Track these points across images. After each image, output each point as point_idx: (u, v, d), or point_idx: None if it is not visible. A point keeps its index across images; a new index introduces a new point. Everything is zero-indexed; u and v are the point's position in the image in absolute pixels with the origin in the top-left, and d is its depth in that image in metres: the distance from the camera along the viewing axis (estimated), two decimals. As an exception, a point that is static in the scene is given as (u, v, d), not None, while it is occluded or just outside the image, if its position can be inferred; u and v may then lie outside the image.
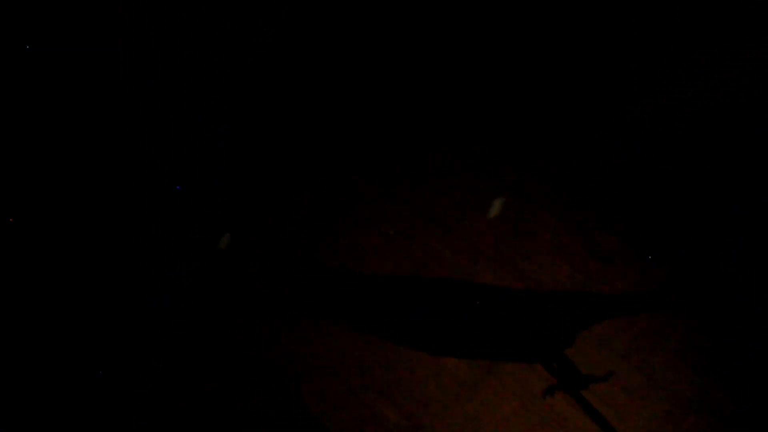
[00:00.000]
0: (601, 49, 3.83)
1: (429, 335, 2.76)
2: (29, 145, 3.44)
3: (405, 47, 3.97)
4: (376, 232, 3.13)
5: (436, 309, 2.84)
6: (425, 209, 3.20)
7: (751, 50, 3.47)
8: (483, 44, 3.93)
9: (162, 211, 3.36)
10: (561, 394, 2.58)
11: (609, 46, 3.80)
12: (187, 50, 3.76)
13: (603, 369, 2.65)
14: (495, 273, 2.93)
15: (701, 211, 3.15)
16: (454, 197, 3.24)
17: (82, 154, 3.48)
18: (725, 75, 3.51)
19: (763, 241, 3.03)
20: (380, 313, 2.85)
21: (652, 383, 2.59)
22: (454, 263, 2.99)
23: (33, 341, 2.88)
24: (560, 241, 3.03)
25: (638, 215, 3.11)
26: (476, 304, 2.84)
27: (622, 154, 3.35)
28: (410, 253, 3.05)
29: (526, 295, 2.85)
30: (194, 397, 2.70)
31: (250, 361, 2.79)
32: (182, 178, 3.44)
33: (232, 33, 3.86)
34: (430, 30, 4.01)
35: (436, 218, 3.15)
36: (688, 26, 3.68)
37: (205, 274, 3.10)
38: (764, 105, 3.39)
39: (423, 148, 3.49)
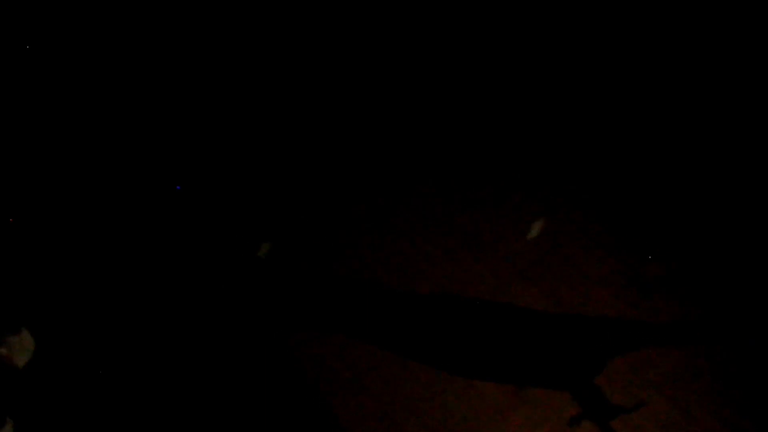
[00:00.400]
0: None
1: (463, 356, 2.75)
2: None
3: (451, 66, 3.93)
4: (414, 250, 3.12)
5: (471, 330, 2.83)
6: (464, 229, 3.18)
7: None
8: (528, 67, 3.87)
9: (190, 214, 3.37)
10: (591, 424, 2.56)
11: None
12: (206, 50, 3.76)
13: (634, 399, 2.61)
14: (531, 296, 2.91)
15: (747, 243, 3.08)
16: (493, 217, 3.22)
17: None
18: None
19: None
20: (415, 331, 2.85)
21: (687, 418, 2.54)
22: (491, 284, 2.97)
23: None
24: (600, 267, 2.99)
25: (682, 245, 3.05)
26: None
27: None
28: (448, 272, 3.04)
29: (561, 320, 2.82)
30: (219, 406, 2.73)
31: (279, 371, 2.81)
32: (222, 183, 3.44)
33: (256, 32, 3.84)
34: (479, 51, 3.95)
35: (474, 238, 3.13)
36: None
37: (238, 281, 3.11)
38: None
39: (461, 168, 3.47)
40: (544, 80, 3.76)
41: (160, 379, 2.79)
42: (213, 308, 2.99)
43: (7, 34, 3.54)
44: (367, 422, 2.63)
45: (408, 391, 2.70)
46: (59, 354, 2.80)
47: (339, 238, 3.25)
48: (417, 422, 2.61)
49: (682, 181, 3.33)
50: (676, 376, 2.64)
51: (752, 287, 2.92)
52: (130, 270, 3.13)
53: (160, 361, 2.84)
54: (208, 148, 3.60)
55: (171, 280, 3.09)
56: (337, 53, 3.92)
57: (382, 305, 2.96)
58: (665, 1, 3.74)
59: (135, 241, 3.23)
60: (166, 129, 3.64)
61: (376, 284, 3.04)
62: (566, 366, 2.70)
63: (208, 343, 2.89)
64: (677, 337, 2.78)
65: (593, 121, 3.59)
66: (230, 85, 3.80)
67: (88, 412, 2.70)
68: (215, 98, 3.75)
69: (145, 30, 3.80)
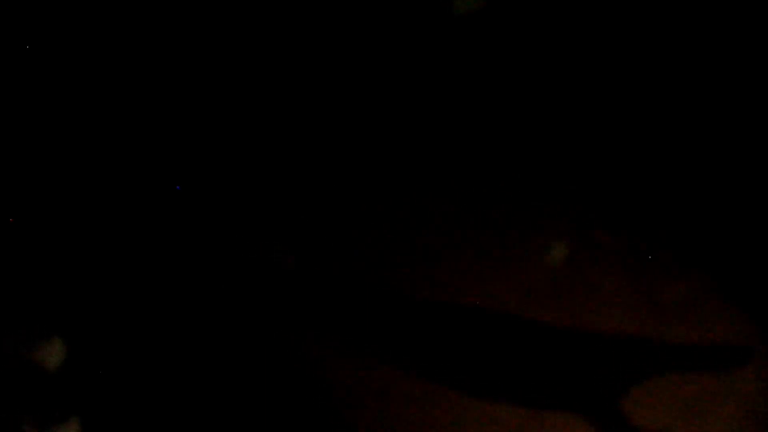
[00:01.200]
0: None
1: (477, 379, 2.72)
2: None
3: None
4: (435, 267, 3.06)
5: (485, 352, 2.79)
6: (480, 247, 3.12)
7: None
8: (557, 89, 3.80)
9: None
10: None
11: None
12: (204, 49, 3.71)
13: (659, 425, 2.58)
14: (552, 317, 2.88)
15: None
16: (510, 237, 3.17)
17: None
18: None
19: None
20: (426, 354, 2.81)
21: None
22: (513, 305, 2.94)
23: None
24: (623, 289, 2.94)
25: (708, 268, 3.01)
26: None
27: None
28: (462, 287, 2.99)
29: (579, 343, 2.79)
30: (217, 409, 2.70)
31: (294, 383, 2.77)
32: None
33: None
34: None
35: (497, 259, 3.08)
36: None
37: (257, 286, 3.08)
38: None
39: (479, 185, 3.40)
40: (562, 94, 3.71)
41: (160, 379, 2.77)
42: (213, 310, 2.97)
43: (7, 34, 3.48)
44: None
45: (423, 414, 2.67)
46: (89, 357, 2.79)
47: (326, 246, 3.21)
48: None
49: (703, 201, 3.30)
50: (696, 408, 2.61)
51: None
52: (128, 270, 3.10)
53: (159, 361, 2.82)
54: (209, 149, 3.56)
55: (171, 280, 3.06)
56: (344, 61, 3.88)
57: (399, 322, 2.92)
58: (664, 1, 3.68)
59: (134, 241, 3.19)
60: (166, 129, 3.60)
61: (393, 301, 2.99)
62: (585, 390, 2.67)
63: (207, 346, 2.87)
64: (698, 362, 2.74)
65: (609, 138, 3.54)
66: (239, 89, 3.75)
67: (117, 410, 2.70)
68: (219, 99, 3.70)
69: (145, 30, 3.74)
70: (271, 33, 3.89)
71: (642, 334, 2.84)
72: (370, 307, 2.99)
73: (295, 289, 3.06)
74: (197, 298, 2.98)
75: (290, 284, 3.09)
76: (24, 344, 2.80)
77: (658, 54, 3.76)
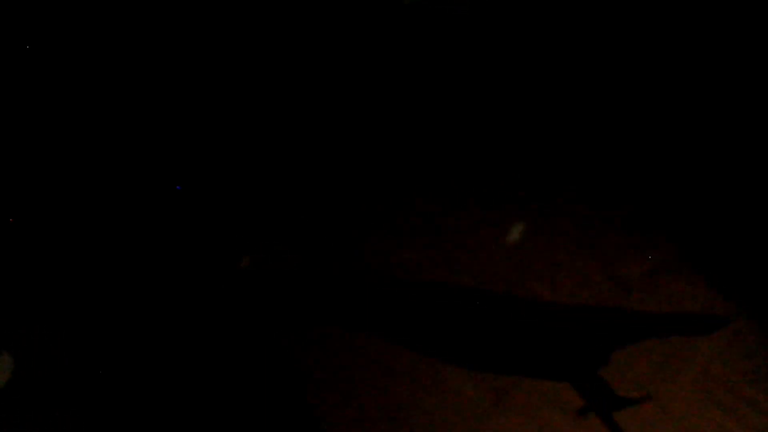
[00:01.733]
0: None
1: (446, 360, 2.76)
2: (29, 145, 3.43)
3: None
4: (399, 256, 3.11)
5: (454, 334, 2.83)
6: (448, 235, 3.16)
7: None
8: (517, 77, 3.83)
9: (174, 212, 3.36)
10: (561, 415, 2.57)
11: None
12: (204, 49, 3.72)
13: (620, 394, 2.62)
14: (516, 299, 2.92)
15: (727, 238, 3.08)
16: (475, 224, 3.20)
17: (82, 153, 3.47)
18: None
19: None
20: (398, 337, 2.85)
21: (667, 414, 2.56)
22: (476, 288, 2.98)
23: (33, 341, 2.92)
24: (581, 267, 2.99)
25: (662, 240, 3.06)
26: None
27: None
28: (434, 278, 3.04)
29: (545, 322, 2.83)
30: (203, 413, 2.73)
31: (264, 378, 2.81)
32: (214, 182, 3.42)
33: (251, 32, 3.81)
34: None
35: (459, 245, 3.13)
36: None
37: (220, 284, 3.11)
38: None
39: (451, 178, 3.44)
40: (529, 89, 3.74)
41: (147, 379, 2.80)
42: (203, 311, 2.99)
43: (7, 34, 3.50)
44: (351, 429, 2.64)
45: (393, 397, 2.70)
46: (38, 372, 2.80)
47: (326, 246, 3.25)
48: (402, 427, 2.62)
49: (658, 179, 3.33)
50: (657, 374, 2.65)
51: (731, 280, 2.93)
52: (123, 269, 3.14)
53: (147, 360, 2.85)
54: (207, 151, 3.59)
55: (165, 280, 3.10)
56: (334, 62, 3.90)
57: (363, 313, 2.96)
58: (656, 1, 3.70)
59: (131, 241, 3.23)
60: (166, 129, 3.63)
61: (357, 292, 3.03)
62: (549, 367, 2.71)
63: (194, 349, 2.89)
64: (662, 330, 2.78)
65: (570, 127, 3.58)
66: (230, 91, 3.78)
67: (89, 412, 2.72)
68: (217, 101, 3.73)
69: (145, 30, 3.77)
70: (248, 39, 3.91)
71: (606, 306, 2.89)
72: (331, 298, 3.02)
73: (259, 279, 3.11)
74: (192, 298, 3.03)
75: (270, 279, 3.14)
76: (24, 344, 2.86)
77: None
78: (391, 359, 2.80)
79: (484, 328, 2.85)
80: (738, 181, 3.29)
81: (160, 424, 2.68)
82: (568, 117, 3.58)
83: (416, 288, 3.00)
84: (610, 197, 3.28)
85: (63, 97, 3.58)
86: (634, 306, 2.88)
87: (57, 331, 2.91)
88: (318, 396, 2.72)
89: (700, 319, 2.82)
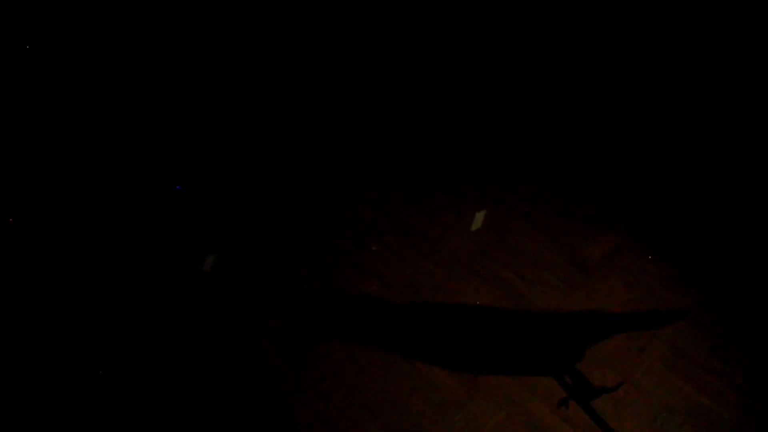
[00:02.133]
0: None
1: (418, 352, 2.78)
2: (29, 145, 3.44)
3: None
4: (363, 250, 3.15)
5: (424, 326, 2.86)
6: (410, 226, 3.22)
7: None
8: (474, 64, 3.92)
9: (162, 211, 3.36)
10: (546, 407, 2.61)
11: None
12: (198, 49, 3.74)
13: (589, 376, 2.67)
14: (481, 286, 2.96)
15: (683, 218, 3.16)
16: (438, 216, 3.26)
17: (82, 153, 3.47)
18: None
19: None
20: (370, 332, 2.87)
21: (638, 391, 2.61)
22: (440, 279, 3.01)
23: (33, 341, 2.90)
24: (543, 252, 3.04)
25: (622, 222, 3.13)
26: (457, 318, 2.86)
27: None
28: (397, 270, 3.07)
29: (511, 308, 2.87)
30: (186, 398, 2.72)
31: (237, 379, 2.81)
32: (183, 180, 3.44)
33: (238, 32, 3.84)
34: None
35: (421, 238, 3.17)
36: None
37: (193, 291, 3.11)
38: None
39: (405, 167, 3.51)
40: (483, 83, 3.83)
41: (146, 379, 2.79)
42: (201, 310, 2.99)
43: (7, 34, 3.49)
44: (327, 425, 2.64)
45: (365, 392, 2.72)
46: (38, 372, 2.79)
47: (288, 244, 3.27)
48: (376, 421, 2.64)
49: (615, 162, 3.42)
50: (625, 353, 2.71)
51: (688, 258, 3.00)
52: (123, 269, 3.13)
53: (147, 361, 2.84)
54: (207, 151, 3.60)
55: (164, 280, 3.09)
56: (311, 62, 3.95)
57: (335, 309, 2.98)
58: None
59: (130, 241, 3.23)
60: (165, 129, 3.64)
61: (328, 288, 3.06)
62: (521, 353, 2.75)
63: (191, 348, 2.89)
64: (621, 318, 2.84)
65: (526, 102, 3.67)
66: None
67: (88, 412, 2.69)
68: (217, 101, 3.74)
69: (145, 30, 3.78)
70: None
71: (569, 289, 2.94)
72: (302, 296, 3.02)
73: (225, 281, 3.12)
74: (191, 297, 3.03)
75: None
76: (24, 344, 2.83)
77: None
78: (365, 354, 2.82)
79: (454, 319, 2.88)
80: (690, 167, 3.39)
81: (160, 423, 2.67)
82: (552, 112, 3.66)
83: (384, 282, 3.03)
84: (570, 184, 3.36)
85: (63, 97, 3.59)
86: (596, 287, 2.94)
87: (57, 331, 2.90)
88: (290, 395, 2.73)
89: (663, 298, 2.89)
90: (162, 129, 3.71)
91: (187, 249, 3.25)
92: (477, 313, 2.88)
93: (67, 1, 3.62)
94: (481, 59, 3.88)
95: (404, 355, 2.79)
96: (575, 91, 3.73)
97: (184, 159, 3.61)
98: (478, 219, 3.19)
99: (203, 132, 3.74)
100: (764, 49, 3.49)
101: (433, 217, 3.26)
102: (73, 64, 3.67)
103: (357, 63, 3.95)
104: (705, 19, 3.59)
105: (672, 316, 2.81)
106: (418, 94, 3.83)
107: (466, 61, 3.89)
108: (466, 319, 2.87)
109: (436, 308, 2.91)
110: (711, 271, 2.98)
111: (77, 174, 3.49)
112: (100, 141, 3.59)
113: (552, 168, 3.46)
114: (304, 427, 2.65)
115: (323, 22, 4.05)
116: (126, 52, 3.77)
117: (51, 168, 3.48)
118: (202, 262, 3.17)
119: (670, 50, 3.70)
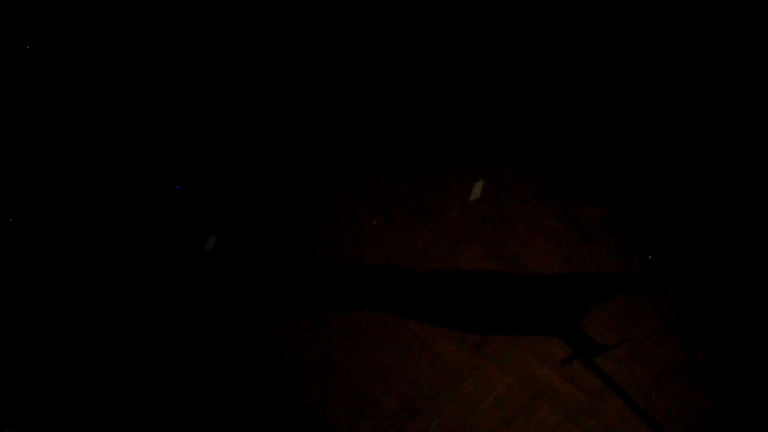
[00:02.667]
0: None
1: (424, 322, 2.81)
2: (29, 145, 3.47)
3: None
4: (362, 225, 3.20)
5: (429, 296, 2.89)
6: (407, 198, 3.27)
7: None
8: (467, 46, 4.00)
9: (161, 210, 3.38)
10: (553, 368, 2.64)
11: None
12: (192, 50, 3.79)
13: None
14: (481, 254, 3.00)
15: (678, 182, 3.23)
16: (436, 189, 3.32)
17: (82, 153, 3.50)
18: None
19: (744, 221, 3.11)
20: (376, 304, 2.90)
21: (640, 351, 2.64)
22: (441, 250, 3.06)
23: (33, 341, 2.89)
24: (541, 218, 3.10)
25: (618, 187, 3.19)
26: (477, 303, 2.88)
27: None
28: (397, 242, 3.11)
29: (512, 275, 2.91)
30: (187, 396, 2.72)
31: (244, 358, 2.82)
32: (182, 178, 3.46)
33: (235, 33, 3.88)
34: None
35: (420, 210, 3.22)
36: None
37: (196, 274, 3.13)
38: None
39: (400, 139, 3.57)
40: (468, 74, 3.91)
41: (146, 379, 2.78)
42: (201, 310, 3.00)
43: (7, 34, 3.53)
44: (337, 398, 2.66)
45: (374, 365, 2.74)
46: (38, 372, 2.78)
47: (292, 223, 3.31)
48: (385, 393, 2.65)
49: (608, 128, 3.49)
50: (627, 314, 2.75)
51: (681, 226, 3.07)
52: (122, 269, 3.14)
53: (147, 361, 2.84)
54: (207, 151, 3.63)
55: (164, 280, 3.10)
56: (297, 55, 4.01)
57: (342, 285, 3.01)
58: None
59: (130, 241, 3.24)
60: (165, 129, 3.66)
61: (332, 265, 3.09)
62: (525, 315, 2.78)
63: (191, 348, 2.89)
64: (621, 279, 2.89)
65: (518, 80, 3.74)
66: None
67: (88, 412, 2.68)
68: (216, 100, 3.78)
69: (145, 30, 3.83)
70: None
71: (569, 254, 2.99)
72: (307, 275, 3.07)
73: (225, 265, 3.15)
74: (191, 297, 3.06)
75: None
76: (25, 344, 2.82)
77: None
78: (371, 326, 2.84)
79: (458, 287, 2.92)
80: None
81: (160, 423, 2.66)
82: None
83: (385, 253, 3.08)
84: (567, 153, 3.42)
85: (63, 97, 3.62)
86: (595, 251, 2.99)
87: (57, 331, 2.90)
88: (299, 369, 2.75)
89: (662, 262, 2.94)
90: (161, 129, 3.76)
91: (186, 249, 3.27)
92: (479, 280, 2.92)
93: (67, 1, 3.68)
94: (481, 59, 3.96)
95: (410, 325, 2.82)
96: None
97: (183, 159, 3.65)
98: (477, 188, 3.25)
99: (203, 132, 3.78)
100: (744, 38, 3.61)
101: (432, 193, 3.31)
102: (73, 64, 3.72)
103: (357, 62, 4.03)
104: (694, 12, 3.71)
105: (672, 277, 2.86)
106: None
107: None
108: (469, 286, 2.90)
109: (439, 276, 2.95)
110: (706, 240, 3.04)
111: (77, 174, 3.51)
112: (100, 141, 3.62)
113: (548, 141, 3.51)
114: (310, 400, 2.66)
115: (323, 22, 4.13)
116: (126, 52, 3.82)
117: (51, 168, 3.50)
118: (203, 249, 3.19)
119: (670, 50, 3.81)
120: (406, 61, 3.99)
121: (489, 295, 2.86)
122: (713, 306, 2.75)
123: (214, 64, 3.96)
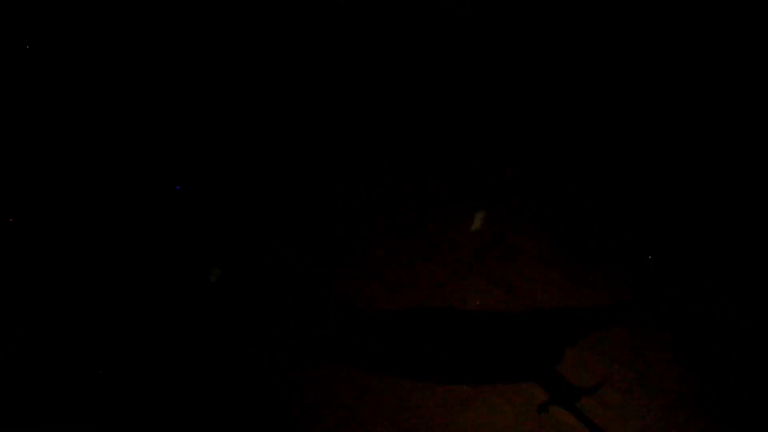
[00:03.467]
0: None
1: (426, 355, 2.75)
2: (29, 145, 3.43)
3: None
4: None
5: (431, 329, 2.84)
6: (411, 231, 3.22)
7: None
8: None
9: (163, 211, 3.37)
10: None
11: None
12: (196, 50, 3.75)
13: (595, 371, 2.65)
14: (481, 286, 2.94)
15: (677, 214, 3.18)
16: (437, 216, 3.26)
17: (82, 153, 3.48)
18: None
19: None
20: (377, 336, 2.84)
21: (645, 381, 2.59)
22: (442, 280, 3.00)
23: (33, 341, 2.89)
24: (542, 249, 3.04)
25: (618, 223, 3.16)
26: (467, 331, 2.83)
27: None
28: (399, 273, 3.05)
29: (515, 308, 2.86)
30: (187, 396, 2.70)
31: (246, 382, 2.77)
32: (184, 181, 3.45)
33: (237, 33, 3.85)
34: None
35: (421, 239, 3.17)
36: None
37: (192, 291, 3.10)
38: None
39: (399, 168, 3.53)
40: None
41: (146, 379, 2.78)
42: (201, 311, 2.98)
43: (7, 34, 3.51)
44: (335, 427, 2.61)
45: (376, 395, 2.68)
46: (38, 372, 2.78)
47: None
48: (386, 423, 2.60)
49: (609, 130, 3.45)
50: (631, 344, 2.70)
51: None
52: (122, 269, 3.13)
53: (147, 361, 2.83)
54: (206, 151, 3.62)
55: (164, 281, 3.09)
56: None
57: (342, 316, 2.95)
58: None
59: (130, 241, 3.23)
60: (165, 129, 3.65)
61: (332, 295, 3.03)
62: (526, 353, 2.73)
63: (191, 349, 2.88)
64: (623, 310, 2.84)
65: (515, 111, 3.70)
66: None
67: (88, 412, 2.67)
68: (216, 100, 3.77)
69: (145, 30, 3.82)
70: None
71: (568, 288, 2.93)
72: (310, 304, 3.00)
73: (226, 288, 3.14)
74: (191, 298, 3.04)
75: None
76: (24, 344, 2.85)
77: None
78: (370, 354, 2.79)
79: (451, 322, 2.87)
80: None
81: (160, 423, 2.65)
82: (551, 109, 3.68)
83: (385, 282, 3.03)
84: (570, 183, 3.39)
85: (63, 97, 3.59)
86: (598, 281, 2.93)
87: (57, 331, 2.89)
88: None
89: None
90: (161, 129, 3.75)
91: (186, 249, 3.26)
92: (480, 315, 2.86)
93: (67, 1, 3.67)
94: (480, 59, 3.94)
95: (409, 354, 2.76)
96: (575, 91, 3.76)
97: (183, 159, 3.63)
98: (478, 219, 3.20)
99: (203, 132, 3.77)
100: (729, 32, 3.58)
101: (433, 220, 3.24)
102: (73, 64, 3.71)
103: (357, 63, 4.02)
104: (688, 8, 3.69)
105: (676, 308, 2.81)
106: (417, 95, 3.87)
107: (465, 61, 3.95)
108: (470, 321, 2.84)
109: (441, 311, 2.89)
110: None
111: (77, 174, 3.50)
112: (100, 141, 3.61)
113: (551, 165, 3.47)
114: (311, 428, 2.62)
115: (323, 22, 4.11)
116: (125, 52, 3.82)
117: (51, 168, 3.49)
118: (205, 270, 3.15)
119: (670, 50, 3.78)
120: (405, 61, 3.98)
121: (481, 334, 2.79)
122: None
123: (214, 64, 3.95)
